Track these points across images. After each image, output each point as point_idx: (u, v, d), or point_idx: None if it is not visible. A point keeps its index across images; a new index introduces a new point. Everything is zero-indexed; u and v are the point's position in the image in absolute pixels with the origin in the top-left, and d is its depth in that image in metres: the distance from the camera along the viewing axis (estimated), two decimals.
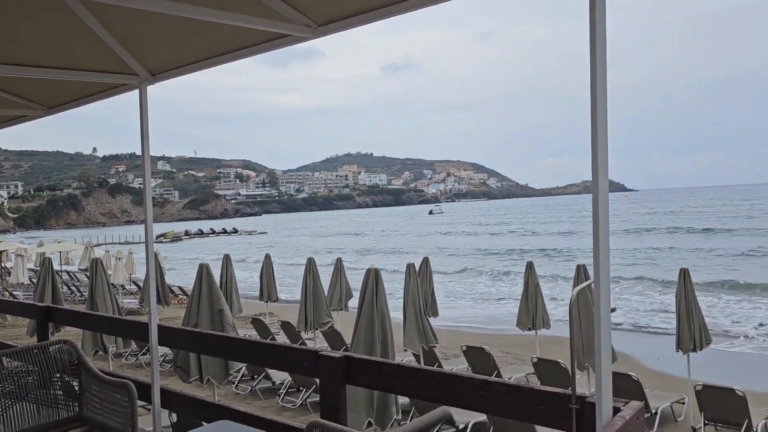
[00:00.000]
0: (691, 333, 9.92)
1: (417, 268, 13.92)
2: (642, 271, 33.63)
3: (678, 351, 10.11)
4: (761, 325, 17.80)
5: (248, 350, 4.29)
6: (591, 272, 2.72)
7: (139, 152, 4.28)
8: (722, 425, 9.28)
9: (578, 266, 8.46)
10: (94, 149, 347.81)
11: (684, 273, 10.05)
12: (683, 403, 10.47)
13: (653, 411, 9.87)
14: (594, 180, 2.54)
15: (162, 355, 13.82)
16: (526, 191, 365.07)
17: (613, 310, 3.08)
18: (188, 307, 7.04)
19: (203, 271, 7.09)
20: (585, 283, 2.74)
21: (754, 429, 8.83)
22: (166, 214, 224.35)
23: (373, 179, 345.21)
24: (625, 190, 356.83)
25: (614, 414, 2.68)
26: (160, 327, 4.55)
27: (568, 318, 8.26)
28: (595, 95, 2.45)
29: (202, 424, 4.12)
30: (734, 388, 8.87)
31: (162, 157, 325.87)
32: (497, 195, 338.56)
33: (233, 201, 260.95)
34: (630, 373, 9.81)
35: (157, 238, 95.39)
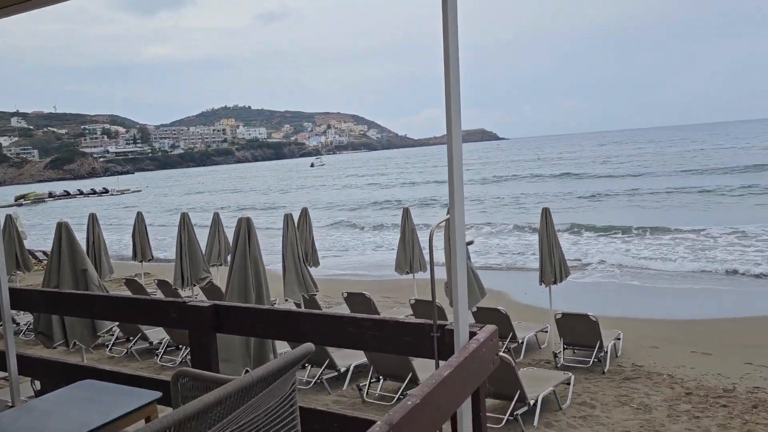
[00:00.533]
0: (552, 267, 10.70)
1: (296, 219, 13.88)
2: (513, 213, 35.64)
3: (541, 284, 10.90)
4: (602, 262, 19.53)
5: (112, 307, 4.11)
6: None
7: None
8: (578, 348, 10.20)
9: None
10: None
11: (545, 213, 10.75)
12: (546, 332, 11.38)
13: (520, 341, 10.66)
14: (448, 126, 2.68)
15: (26, 323, 12.96)
16: (405, 141, 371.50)
17: (469, 243, 3.24)
18: (47, 269, 6.59)
19: (62, 230, 6.64)
20: (443, 219, 2.85)
21: (605, 348, 9.79)
22: (24, 175, 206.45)
23: (253, 133, 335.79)
24: (498, 139, 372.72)
25: (471, 338, 2.86)
26: (11, 290, 4.23)
27: (447, 261, 8.62)
28: (447, 48, 2.53)
29: None
30: (588, 314, 9.74)
31: (16, 113, 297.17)
32: (378, 146, 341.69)
33: (102, 159, 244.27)
34: (499, 308, 10.48)
35: (16, 201, 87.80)
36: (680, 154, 73.40)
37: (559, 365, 9.91)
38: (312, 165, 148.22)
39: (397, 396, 8.34)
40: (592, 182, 49.53)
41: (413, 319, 3.16)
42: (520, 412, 7.43)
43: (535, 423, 7.47)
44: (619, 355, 10.49)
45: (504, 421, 7.34)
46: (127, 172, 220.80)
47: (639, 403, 8.20)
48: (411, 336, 3.11)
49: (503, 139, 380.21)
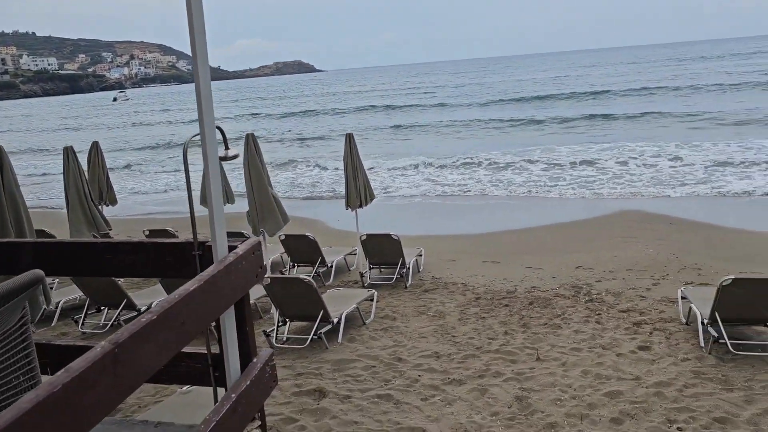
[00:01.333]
0: (357, 191, 11.01)
1: (88, 154, 12.70)
2: (322, 145, 35.95)
3: (348, 209, 11.18)
4: (411, 186, 20.58)
5: None
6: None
7: None
8: (384, 266, 10.73)
9: (246, 135, 8.54)
10: None
11: (349, 138, 10.92)
12: (355, 254, 11.79)
13: (329, 264, 10.93)
14: (192, 52, 2.52)
15: None
16: (219, 74, 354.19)
17: (234, 156, 3.13)
18: None
19: None
20: (194, 134, 2.70)
21: (407, 265, 10.40)
22: None
23: (40, 64, 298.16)
24: (315, 71, 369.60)
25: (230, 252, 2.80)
26: None
27: (248, 189, 8.41)
28: None
29: None
30: (390, 233, 10.22)
31: None
32: (189, 78, 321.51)
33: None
34: (306, 234, 10.59)
35: None
36: (484, 86, 78.27)
37: (366, 284, 10.35)
38: (115, 99, 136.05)
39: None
40: (401, 114, 51.29)
41: (173, 240, 3.01)
42: (324, 330, 7.67)
43: (339, 339, 7.78)
44: (421, 270, 11.21)
45: (308, 341, 7.54)
46: None
47: (435, 311, 8.87)
48: (173, 257, 2.97)
49: (321, 71, 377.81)
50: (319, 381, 6.54)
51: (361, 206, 11.17)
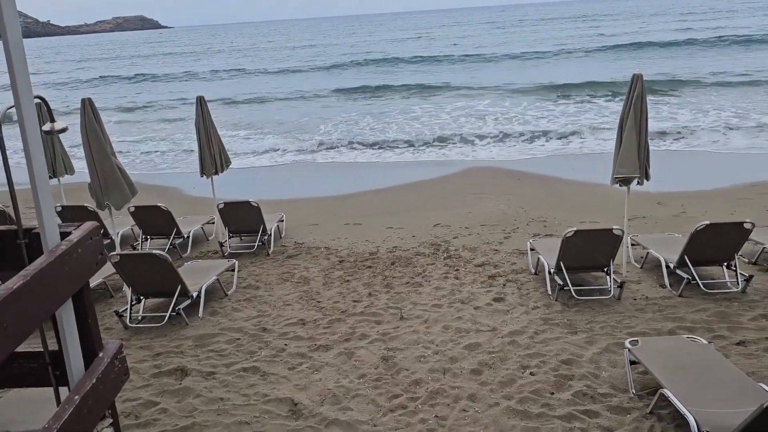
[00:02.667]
0: (212, 158, 10.50)
1: None
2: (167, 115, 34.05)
3: (203, 176, 10.65)
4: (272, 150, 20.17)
5: None
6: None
7: None
8: (245, 234, 10.41)
9: (83, 100, 7.75)
10: None
11: (200, 101, 10.33)
12: (213, 223, 11.34)
13: (185, 235, 10.41)
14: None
15: None
16: (48, 29, 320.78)
17: (51, 132, 2.77)
18: None
19: None
20: (6, 108, 2.34)
21: (268, 232, 10.17)
22: None
23: None
24: (160, 27, 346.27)
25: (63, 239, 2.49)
26: None
27: (88, 160, 7.66)
28: None
29: None
30: (249, 200, 9.90)
31: None
32: None
33: None
34: (158, 204, 9.98)
35: None
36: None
37: (226, 254, 10.01)
38: None
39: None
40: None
41: None
42: (183, 305, 7.31)
43: (200, 314, 7.46)
44: (283, 236, 11.03)
45: (166, 318, 7.16)
46: None
47: (299, 277, 8.78)
48: None
49: (167, 27, 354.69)
50: (180, 359, 6.24)
51: (216, 173, 10.68)
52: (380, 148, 19.59)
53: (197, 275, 8.01)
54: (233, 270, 8.64)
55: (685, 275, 7.37)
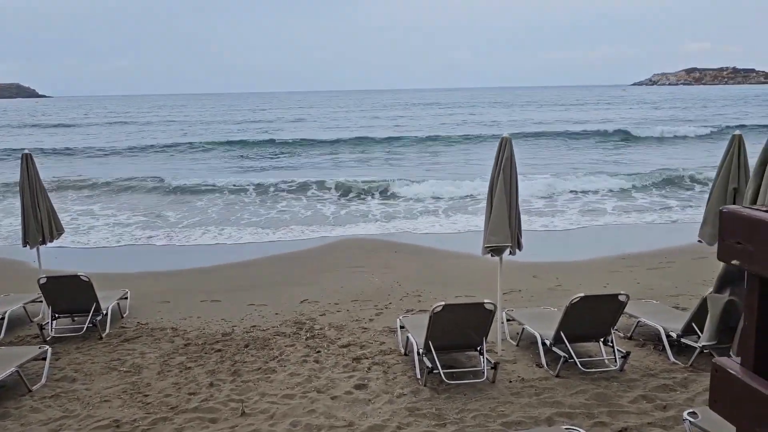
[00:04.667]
0: (38, 224, 8.99)
1: None
2: None
3: (26, 246, 9.08)
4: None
5: None
6: None
7: None
8: (77, 314, 8.84)
9: None
10: None
11: (26, 158, 8.91)
12: (42, 302, 9.64)
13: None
14: None
15: None
16: None
17: None
18: None
19: None
20: None
21: (103, 311, 8.67)
22: None
23: None
24: (38, 96, 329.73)
25: None
26: None
27: None
28: None
29: None
30: (79, 274, 8.44)
31: None
32: None
33: None
34: None
35: None
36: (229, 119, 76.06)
37: (48, 339, 8.38)
38: None
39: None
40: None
41: None
42: None
43: None
44: (125, 315, 9.53)
45: None
46: None
47: (131, 365, 7.37)
48: None
49: (45, 96, 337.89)
50: None
51: (44, 242, 9.14)
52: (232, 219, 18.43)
53: None
54: (45, 359, 7.09)
55: (562, 353, 6.77)
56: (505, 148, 7.08)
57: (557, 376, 6.66)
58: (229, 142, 41.61)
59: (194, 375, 6.99)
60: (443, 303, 6.40)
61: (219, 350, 7.86)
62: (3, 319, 8.77)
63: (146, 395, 6.43)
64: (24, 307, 9.41)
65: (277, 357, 7.55)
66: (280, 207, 20.30)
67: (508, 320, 8.34)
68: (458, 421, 5.67)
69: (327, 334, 8.42)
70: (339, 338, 8.22)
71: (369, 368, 7.08)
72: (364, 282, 11.29)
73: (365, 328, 8.65)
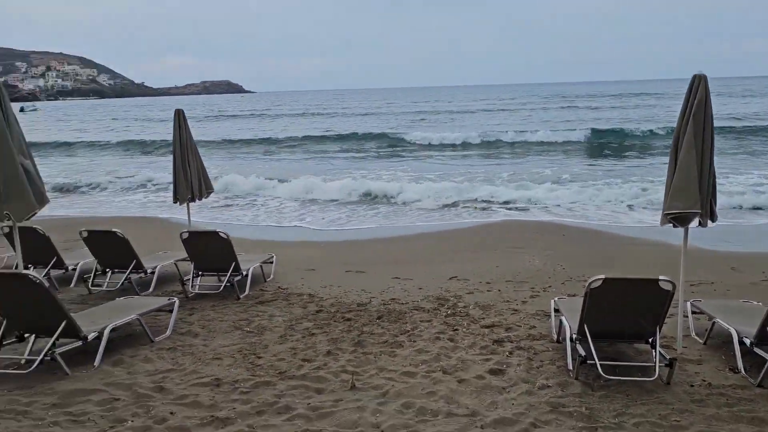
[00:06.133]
0: (188, 182, 9.04)
1: None
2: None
3: (176, 203, 9.19)
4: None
5: None
6: None
7: None
8: (217, 273, 8.72)
9: None
10: None
11: (178, 115, 8.98)
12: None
13: (148, 271, 8.81)
14: None
15: None
16: (143, 90, 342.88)
17: None
18: None
19: None
20: None
21: (243, 272, 8.42)
22: None
23: None
24: (243, 91, 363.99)
25: None
26: None
27: None
28: None
29: None
30: (218, 231, 8.26)
31: None
32: (110, 93, 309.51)
33: None
34: (114, 230, 8.48)
35: None
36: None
37: (190, 294, 8.34)
38: (21, 110, 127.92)
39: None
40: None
41: None
42: (62, 350, 5.55)
43: (97, 362, 5.70)
44: (269, 279, 9.29)
45: (35, 364, 5.36)
46: None
47: (256, 326, 6.95)
48: None
49: (249, 92, 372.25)
50: (14, 423, 4.45)
51: (193, 200, 9.18)
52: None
53: (114, 314, 6.32)
54: (171, 311, 6.90)
55: (767, 356, 5.08)
56: (697, 88, 5.47)
57: (759, 385, 5.00)
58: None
59: (315, 342, 6.36)
60: (603, 276, 5.05)
61: (349, 319, 7.17)
62: (153, 273, 8.92)
63: (259, 357, 5.90)
64: (175, 264, 9.55)
65: (408, 332, 6.67)
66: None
67: (693, 313, 6.64)
68: (615, 426, 4.35)
69: (471, 312, 7.38)
70: (483, 318, 7.14)
71: (510, 353, 5.93)
72: (522, 263, 10.03)
73: (515, 310, 7.46)
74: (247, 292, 8.47)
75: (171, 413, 4.60)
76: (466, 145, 32.44)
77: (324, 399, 4.90)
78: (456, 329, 6.72)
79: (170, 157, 9.43)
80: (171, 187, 9.42)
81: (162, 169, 25.23)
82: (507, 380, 5.25)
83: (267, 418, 4.53)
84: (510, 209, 15.58)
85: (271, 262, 9.63)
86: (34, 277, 5.24)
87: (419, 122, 49.80)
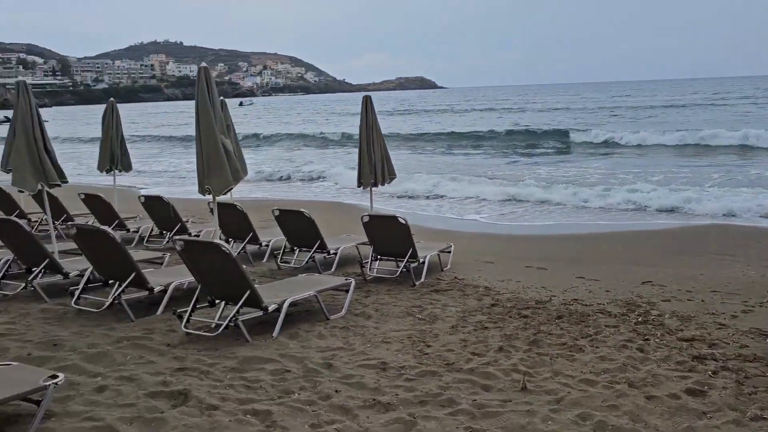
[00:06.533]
0: (372, 167, 9.16)
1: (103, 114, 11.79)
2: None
3: (359, 186, 9.39)
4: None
5: None
6: None
7: None
8: (394, 257, 8.75)
9: (198, 71, 6.94)
10: None
11: (366, 102, 9.14)
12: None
13: (331, 251, 9.10)
14: None
15: None
16: (343, 86, 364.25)
17: None
18: None
19: None
20: None
21: (420, 259, 8.34)
22: None
23: (184, 70, 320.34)
24: (436, 87, 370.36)
25: None
26: None
27: None
28: None
29: None
30: (397, 216, 8.26)
31: None
32: (315, 90, 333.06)
33: (15, 91, 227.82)
34: (302, 210, 8.86)
35: None
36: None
37: (368, 278, 8.46)
38: (240, 104, 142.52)
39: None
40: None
41: None
42: (244, 317, 5.83)
43: (275, 333, 5.93)
44: (446, 268, 9.14)
45: (222, 327, 5.68)
46: (45, 105, 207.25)
47: (428, 314, 6.80)
48: None
49: (442, 87, 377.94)
50: (196, 381, 4.72)
51: (375, 185, 9.29)
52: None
53: (294, 289, 6.54)
54: (348, 291, 7.00)
55: None
56: None
57: None
58: None
59: (486, 336, 6.03)
60: None
61: (525, 316, 6.74)
62: (336, 254, 9.20)
63: (428, 345, 5.73)
64: (357, 247, 9.77)
65: (590, 336, 6.07)
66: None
67: None
68: None
69: (666, 322, 6.54)
70: (681, 330, 6.27)
71: (714, 372, 5.10)
72: (733, 272, 8.76)
73: (722, 325, 6.46)
74: (422, 280, 8.38)
75: (336, 391, 4.59)
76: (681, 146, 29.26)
77: (491, 397, 4.57)
78: (647, 339, 5.97)
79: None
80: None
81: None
82: (709, 404, 4.50)
83: (429, 409, 4.32)
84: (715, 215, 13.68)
85: (449, 252, 9.45)
86: (225, 247, 5.57)
87: (619, 119, 46.64)
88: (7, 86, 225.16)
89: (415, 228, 9.13)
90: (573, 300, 7.47)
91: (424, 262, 8.56)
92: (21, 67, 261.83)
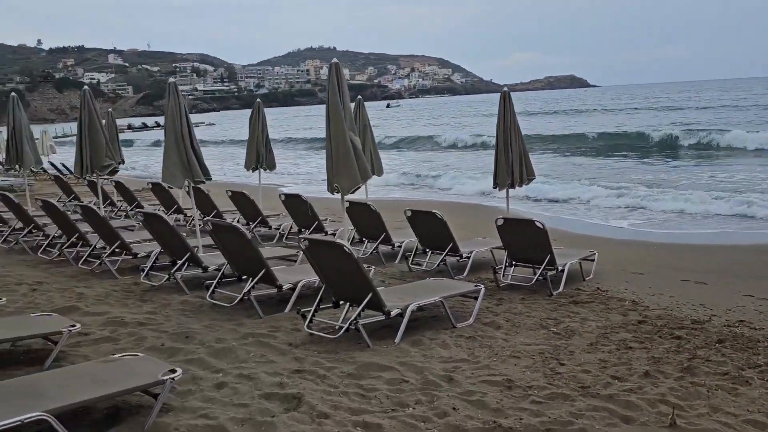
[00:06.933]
0: (509, 167, 8.68)
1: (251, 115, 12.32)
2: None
3: (495, 187, 8.94)
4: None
5: None
6: None
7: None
8: (535, 265, 8.20)
9: (330, 68, 6.92)
10: (39, 41, 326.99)
11: (504, 98, 8.67)
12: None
13: (463, 255, 8.73)
14: None
15: None
16: (490, 87, 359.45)
17: None
18: None
19: None
20: None
21: (558, 266, 7.73)
22: (118, 110, 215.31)
23: None
24: (588, 86, 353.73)
25: None
26: None
27: None
28: None
29: None
30: (534, 220, 7.70)
31: (113, 50, 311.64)
32: (461, 91, 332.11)
33: (190, 97, 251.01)
34: (434, 211, 8.59)
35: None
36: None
37: (501, 284, 8.00)
38: (388, 106, 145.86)
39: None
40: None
41: None
42: (364, 321, 5.64)
43: (397, 339, 5.69)
44: (588, 278, 8.43)
45: (342, 330, 5.54)
46: (213, 110, 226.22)
47: (564, 328, 6.23)
48: None
49: (594, 86, 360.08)
50: (311, 385, 4.60)
51: (513, 186, 8.79)
52: None
53: (420, 293, 6.28)
54: (477, 298, 6.61)
55: None
56: None
57: None
58: None
59: (630, 358, 5.37)
60: None
61: (678, 337, 5.94)
62: (469, 257, 8.82)
63: (561, 364, 5.20)
64: (491, 251, 9.32)
65: (760, 366, 5.19)
66: None
67: None
68: None
69: None
70: None
71: None
72: None
73: None
74: (560, 289, 7.75)
75: (454, 408, 4.24)
76: None
77: (631, 431, 3.99)
78: None
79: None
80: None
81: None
82: None
83: None
84: None
85: (593, 260, 8.69)
86: (347, 247, 5.44)
87: None
88: (183, 93, 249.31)
89: (555, 233, 8.51)
90: (738, 321, 6.49)
91: (563, 271, 7.91)
92: (195, 75, 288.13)
